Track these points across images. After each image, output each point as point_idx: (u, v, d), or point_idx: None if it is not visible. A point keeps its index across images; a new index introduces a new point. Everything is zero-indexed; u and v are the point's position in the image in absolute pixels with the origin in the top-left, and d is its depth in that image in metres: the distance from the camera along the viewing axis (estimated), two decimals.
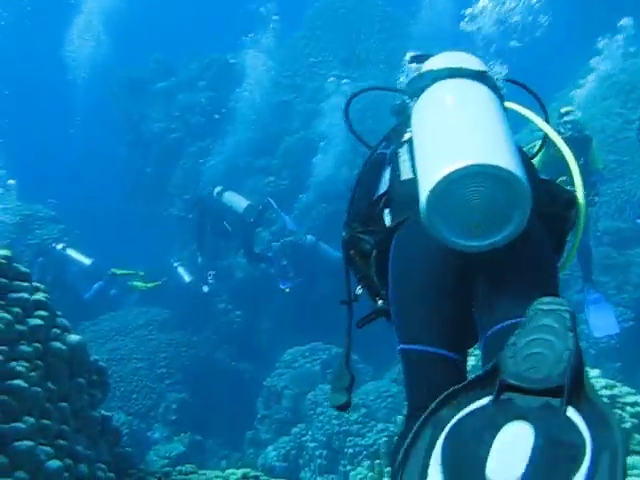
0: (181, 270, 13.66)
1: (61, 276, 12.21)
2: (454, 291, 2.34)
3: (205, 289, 13.21)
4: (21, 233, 13.03)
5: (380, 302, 2.69)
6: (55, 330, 3.87)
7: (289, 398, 10.48)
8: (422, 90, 2.54)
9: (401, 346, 2.38)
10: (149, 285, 12.58)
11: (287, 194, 13.27)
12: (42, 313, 3.82)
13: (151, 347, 11.99)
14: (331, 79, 13.84)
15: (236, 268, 13.40)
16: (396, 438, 2.11)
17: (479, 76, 2.52)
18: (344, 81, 13.74)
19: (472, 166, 2.12)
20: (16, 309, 3.71)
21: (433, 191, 2.15)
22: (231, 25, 15.14)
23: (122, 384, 11.43)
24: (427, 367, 2.30)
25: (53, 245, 12.55)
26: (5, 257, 3.96)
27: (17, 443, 3.15)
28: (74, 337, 3.92)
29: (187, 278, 13.54)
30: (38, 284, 4.20)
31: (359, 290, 2.79)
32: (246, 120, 14.25)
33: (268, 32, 14.88)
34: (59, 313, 4.10)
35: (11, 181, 13.33)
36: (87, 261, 12.38)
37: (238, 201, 11.94)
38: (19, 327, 3.62)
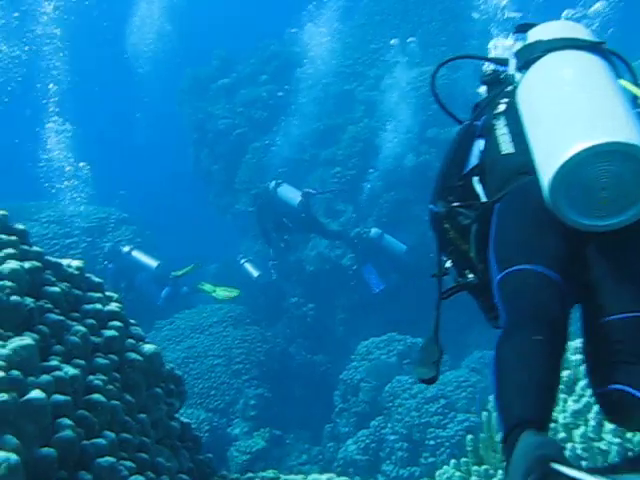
0: (248, 266, 13.64)
1: (131, 281, 12.31)
2: (565, 254, 2.20)
3: (274, 276, 13.21)
4: (96, 236, 13.23)
5: (471, 276, 2.70)
6: (130, 340, 3.81)
7: (366, 391, 10.35)
8: (533, 62, 2.44)
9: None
10: (219, 291, 12.57)
11: (354, 184, 13.08)
12: (116, 324, 3.76)
13: (226, 343, 12.02)
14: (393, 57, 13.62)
15: (306, 262, 13.30)
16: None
17: (595, 47, 2.38)
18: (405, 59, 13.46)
19: (603, 144, 2.04)
20: (90, 321, 3.66)
21: (560, 171, 2.09)
22: (288, 16, 14.96)
23: (200, 381, 11.51)
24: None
25: (120, 249, 12.63)
26: (78, 268, 3.92)
27: (99, 459, 3.08)
28: (149, 347, 3.85)
29: (255, 273, 13.51)
30: (111, 293, 4.15)
31: (448, 263, 2.83)
32: (309, 112, 14.13)
33: (325, 22, 14.71)
34: (133, 322, 4.04)
35: (82, 164, 13.41)
36: (154, 263, 12.39)
37: (292, 195, 11.86)
38: (94, 339, 3.57)
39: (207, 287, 12.42)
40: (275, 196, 11.93)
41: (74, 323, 3.54)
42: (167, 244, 15.06)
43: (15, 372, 2.83)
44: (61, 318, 3.42)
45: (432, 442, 9.17)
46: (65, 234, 12.99)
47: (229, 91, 14.95)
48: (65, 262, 3.91)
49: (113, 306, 3.86)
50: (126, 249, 12.50)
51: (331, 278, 13.08)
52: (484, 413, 5.32)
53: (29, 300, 3.33)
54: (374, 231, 12.37)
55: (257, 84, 14.76)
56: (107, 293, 4.14)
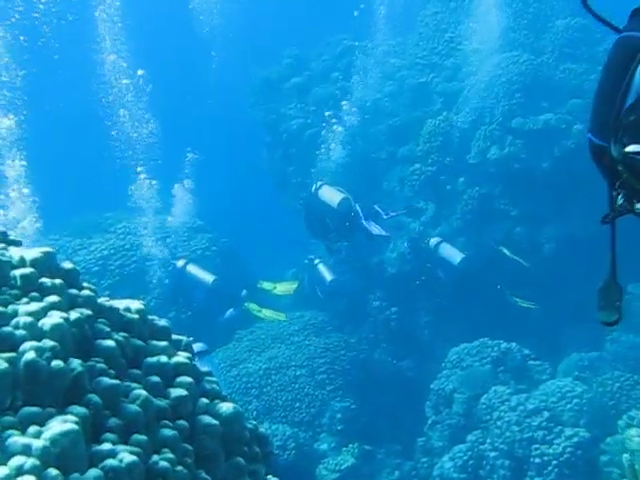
0: (322, 268, 12.84)
1: (189, 297, 11.53)
2: None
3: (329, 278, 12.44)
4: (172, 246, 12.70)
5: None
6: (203, 400, 3.06)
7: (460, 402, 9.44)
8: None
9: None
10: (266, 313, 11.76)
11: (435, 181, 12.14)
12: (185, 380, 3.01)
13: (309, 353, 11.31)
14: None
15: (388, 264, 12.46)
16: None
17: None
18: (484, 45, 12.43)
19: None
20: (154, 379, 2.92)
21: None
22: (359, 11, 14.09)
23: (283, 393, 10.83)
24: None
25: (174, 262, 11.90)
26: (139, 311, 3.20)
27: None
28: (227, 407, 3.09)
29: (328, 277, 12.70)
30: (180, 336, 3.42)
31: (620, 199, 2.48)
32: (383, 107, 13.25)
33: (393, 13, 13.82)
34: (206, 371, 3.30)
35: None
36: (209, 279, 11.48)
37: (332, 196, 11.06)
38: (159, 403, 2.83)
39: (253, 307, 11.56)
40: (318, 197, 11.23)
41: (133, 385, 2.81)
42: (243, 250, 14.42)
43: (52, 472, 2.10)
44: (116, 383, 2.69)
45: (538, 460, 8.20)
46: (141, 245, 12.54)
47: (301, 90, 14.19)
48: (123, 305, 3.19)
49: (181, 357, 3.12)
50: (180, 263, 11.72)
51: (413, 279, 12.18)
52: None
53: (76, 363, 2.61)
54: (433, 241, 11.54)
55: (330, 81, 13.95)
56: (175, 336, 3.41)
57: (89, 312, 2.87)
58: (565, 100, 11.52)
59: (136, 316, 3.14)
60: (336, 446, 9.99)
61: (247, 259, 14.25)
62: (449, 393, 9.71)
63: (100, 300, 3.13)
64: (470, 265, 11.39)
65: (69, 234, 13.32)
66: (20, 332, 2.54)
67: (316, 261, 12.94)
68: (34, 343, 2.49)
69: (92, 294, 3.00)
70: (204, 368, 7.52)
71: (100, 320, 2.94)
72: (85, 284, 3.19)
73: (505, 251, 11.46)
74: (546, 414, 8.41)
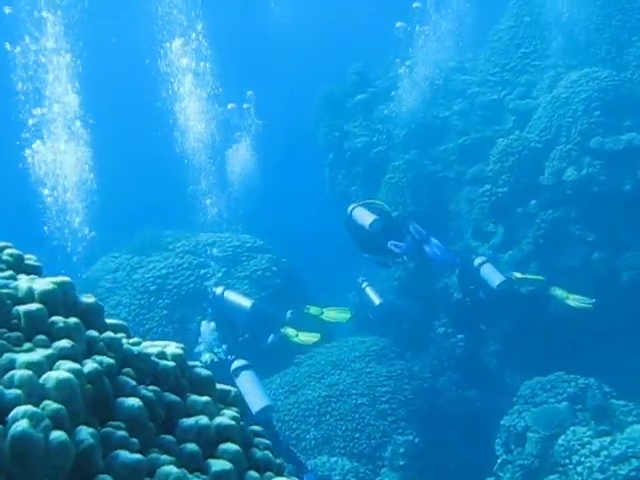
0: (370, 291, 12.06)
1: (232, 324, 10.72)
2: None
3: (377, 302, 11.65)
4: (231, 266, 12.13)
5: None
6: (252, 475, 2.35)
7: (534, 442, 8.49)
8: None
9: None
10: (302, 337, 10.89)
11: (505, 203, 11.27)
12: (231, 448, 2.30)
13: (370, 381, 10.53)
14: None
15: (453, 288, 11.62)
16: None
17: None
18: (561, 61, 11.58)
19: None
20: (191, 448, 2.23)
21: None
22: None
23: (343, 422, 10.08)
24: None
25: (213, 290, 11.11)
26: (176, 357, 2.51)
27: None
28: None
29: (377, 300, 11.90)
30: (226, 387, 2.73)
31: None
32: (452, 126, 12.45)
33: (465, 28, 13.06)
34: (262, 440, 2.59)
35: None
36: (248, 303, 10.62)
37: (364, 218, 10.52)
38: None
39: (289, 331, 10.70)
40: (352, 220, 10.73)
41: (163, 458, 2.12)
42: (304, 272, 13.74)
43: None
44: (138, 458, 1.99)
45: None
46: (199, 264, 11.99)
47: (367, 107, 13.49)
48: (156, 349, 2.51)
49: (226, 417, 2.41)
50: (219, 290, 10.92)
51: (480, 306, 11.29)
52: None
53: (85, 433, 1.93)
54: (477, 260, 10.67)
55: (394, 99, 13.23)
56: (220, 386, 2.71)
57: (111, 361, 2.20)
58: None
59: (172, 364, 2.45)
60: None
61: (307, 281, 13.57)
62: (521, 431, 8.79)
63: (128, 343, 2.46)
64: (511, 289, 10.51)
65: (129, 251, 12.91)
66: (13, 392, 1.88)
67: (364, 285, 12.20)
68: (29, 408, 1.82)
69: (116, 336, 2.33)
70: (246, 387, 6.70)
71: (125, 371, 2.27)
72: (110, 321, 2.53)
73: (517, 275, 10.57)
74: (635, 462, 7.41)
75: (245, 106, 14.88)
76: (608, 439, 7.85)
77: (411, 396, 10.50)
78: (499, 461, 8.96)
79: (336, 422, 10.07)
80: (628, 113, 10.69)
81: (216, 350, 9.24)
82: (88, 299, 2.41)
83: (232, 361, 8.44)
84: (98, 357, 2.19)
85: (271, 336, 10.25)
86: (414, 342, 11.90)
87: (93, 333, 2.26)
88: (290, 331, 10.44)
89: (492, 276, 10.54)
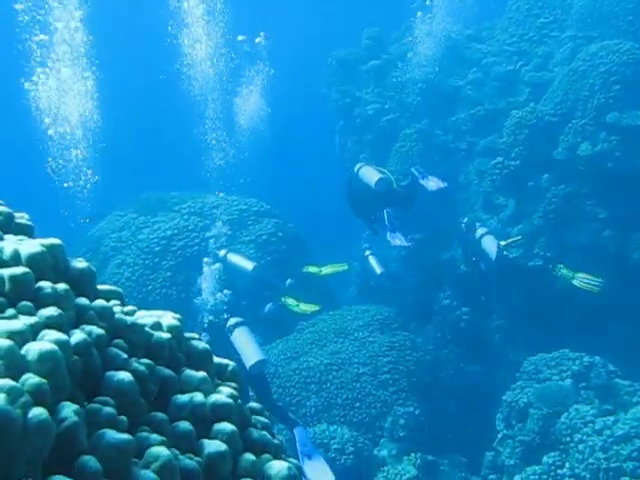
0: (372, 260, 11.88)
1: (233, 286, 10.48)
2: None
3: (378, 271, 11.44)
4: (236, 229, 11.93)
5: None
6: (248, 457, 2.18)
7: (536, 419, 8.37)
8: None
9: None
10: (303, 307, 10.67)
11: (517, 176, 11.02)
12: (226, 428, 2.13)
13: (373, 350, 10.39)
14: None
15: (460, 262, 11.44)
16: None
17: None
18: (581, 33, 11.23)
19: None
20: (184, 426, 2.07)
21: None
22: None
23: (344, 391, 9.97)
24: None
25: (217, 252, 10.81)
26: (172, 329, 2.33)
27: None
28: (279, 468, 2.20)
29: (378, 270, 11.71)
30: (224, 360, 2.56)
31: None
32: (466, 95, 12.14)
33: None
34: (261, 418, 2.42)
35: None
36: (250, 266, 10.46)
37: (371, 176, 10.14)
38: (187, 463, 1.97)
39: (289, 301, 10.49)
40: (358, 179, 10.40)
41: (153, 438, 1.96)
42: (311, 238, 13.52)
43: None
44: (125, 438, 1.83)
45: None
46: (205, 227, 11.79)
47: (379, 74, 13.15)
48: (151, 319, 2.33)
49: (224, 394, 2.25)
50: (222, 253, 10.64)
51: (486, 280, 11.12)
52: None
53: (68, 410, 1.77)
54: (479, 232, 10.47)
55: (410, 65, 12.87)
56: (218, 360, 2.55)
57: (100, 331, 2.02)
58: None
59: (167, 335, 2.28)
60: (397, 453, 9.07)
61: (313, 247, 13.38)
62: (523, 407, 8.66)
63: (121, 312, 2.28)
64: (509, 262, 10.33)
65: (134, 210, 12.72)
66: None
67: (367, 252, 12.01)
68: (7, 382, 1.65)
69: (108, 305, 2.15)
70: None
71: (116, 342, 2.09)
72: (104, 287, 2.36)
73: (502, 243, 10.39)
74: (638, 443, 7.28)
75: (257, 40, 14.06)
76: (612, 418, 7.71)
77: (413, 367, 10.37)
78: (499, 436, 8.86)
79: (337, 390, 9.97)
80: None
81: (218, 295, 9.06)
82: (80, 264, 2.23)
83: (227, 319, 8.32)
84: (87, 327, 2.02)
85: (269, 305, 10.04)
86: (418, 313, 11.77)
87: (83, 301, 2.09)
88: (290, 300, 10.28)
89: (492, 248, 10.38)
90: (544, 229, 10.73)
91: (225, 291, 9.19)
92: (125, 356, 2.06)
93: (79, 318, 2.06)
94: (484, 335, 11.30)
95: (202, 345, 2.42)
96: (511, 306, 11.01)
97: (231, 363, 2.55)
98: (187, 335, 2.45)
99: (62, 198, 11.37)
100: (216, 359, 2.54)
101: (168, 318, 2.36)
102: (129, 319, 2.19)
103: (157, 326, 2.31)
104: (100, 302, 2.13)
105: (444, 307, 11.61)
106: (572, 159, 10.53)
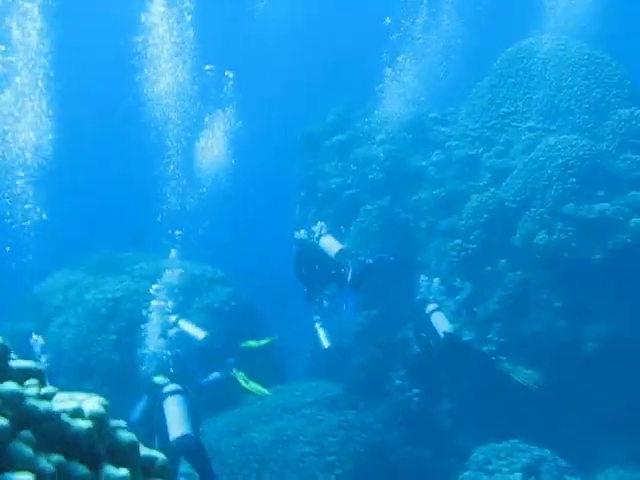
0: (321, 332, 11.51)
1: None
2: None
3: (325, 345, 11.12)
4: (189, 296, 11.52)
5: None
6: None
7: None
8: None
9: None
10: (261, 343, 10.31)
11: (475, 259, 10.94)
12: None
13: (320, 429, 9.95)
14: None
15: (413, 342, 11.20)
16: None
17: None
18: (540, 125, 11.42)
19: None
20: None
21: None
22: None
23: (288, 471, 9.46)
24: None
25: (168, 318, 10.39)
26: (95, 416, 2.00)
27: None
28: None
29: (326, 343, 11.35)
30: (152, 453, 2.22)
31: None
32: (428, 177, 12.15)
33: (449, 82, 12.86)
34: None
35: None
36: (200, 335, 9.86)
37: (333, 245, 10.14)
38: None
39: (240, 375, 10.02)
40: (317, 244, 10.31)
41: None
42: (266, 312, 13.15)
43: None
44: None
45: None
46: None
47: (344, 148, 13.13)
48: (72, 404, 2.00)
49: None
50: (173, 319, 10.24)
51: (440, 363, 10.87)
52: None
53: None
54: (430, 307, 10.39)
55: (374, 143, 12.89)
56: (146, 452, 2.21)
57: (3, 422, 1.69)
58: (624, 191, 10.36)
59: (87, 425, 1.95)
60: None
61: (266, 317, 13.01)
62: None
63: (37, 395, 1.95)
64: (456, 342, 10.15)
65: (84, 269, 12.24)
66: None
67: (317, 324, 11.68)
68: None
69: (16, 389, 1.82)
70: None
71: (23, 435, 1.76)
72: (19, 364, 2.03)
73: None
74: None
75: (227, 74, 13.49)
76: None
77: (362, 449, 9.94)
78: None
79: (281, 470, 9.47)
80: (602, 183, 10.50)
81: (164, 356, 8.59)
82: None
83: (166, 384, 7.86)
84: None
85: (215, 373, 9.50)
86: (369, 391, 11.41)
87: None
88: (241, 375, 9.82)
89: (441, 325, 10.20)
90: (499, 314, 10.62)
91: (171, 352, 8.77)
92: (30, 452, 1.72)
93: None
94: (434, 418, 10.97)
95: (128, 436, 2.08)
96: (462, 390, 10.75)
97: (160, 456, 2.22)
98: (112, 424, 2.12)
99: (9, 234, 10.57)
100: (144, 451, 2.21)
101: (92, 403, 2.03)
102: (43, 405, 1.86)
103: (78, 412, 1.98)
104: (8, 386, 1.80)
105: (395, 387, 11.30)
106: (529, 246, 10.52)
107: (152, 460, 2.20)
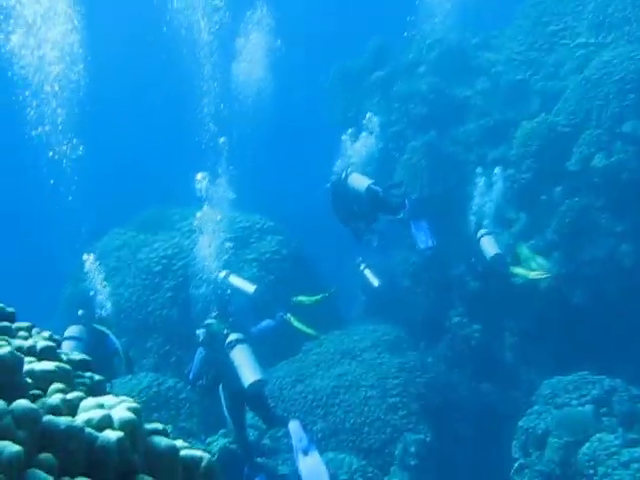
0: (368, 273, 11.25)
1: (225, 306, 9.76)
2: None
3: (375, 283, 10.80)
4: (239, 247, 11.33)
5: None
6: None
7: (556, 448, 7.74)
8: None
9: None
10: (315, 298, 10.07)
11: (529, 189, 10.43)
12: None
13: (381, 372, 9.77)
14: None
15: (470, 277, 10.85)
16: None
17: None
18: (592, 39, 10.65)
19: None
20: None
21: None
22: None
23: (351, 415, 9.36)
24: None
25: (216, 274, 10.23)
26: (126, 425, 1.76)
27: None
28: None
29: (375, 282, 11.06)
30: (196, 453, 1.98)
31: None
32: (474, 107, 11.56)
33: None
34: None
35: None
36: (250, 288, 9.76)
37: (360, 182, 9.65)
38: None
39: (294, 319, 9.81)
40: (346, 184, 9.86)
41: None
42: (316, 257, 12.88)
43: None
44: None
45: None
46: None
47: (385, 85, 12.55)
48: (100, 413, 1.76)
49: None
50: (222, 274, 9.86)
51: (498, 295, 10.54)
52: None
53: None
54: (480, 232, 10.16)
55: (416, 76, 12.26)
56: (189, 453, 1.96)
57: (14, 450, 1.44)
58: None
59: (118, 435, 1.70)
60: None
61: (316, 263, 12.76)
62: (541, 434, 8.04)
63: (61, 401, 1.71)
64: (502, 263, 9.89)
65: (134, 228, 12.16)
66: None
67: (362, 266, 11.40)
68: None
69: (31, 407, 1.57)
70: None
71: (42, 458, 1.52)
72: (43, 366, 1.78)
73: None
74: None
75: None
76: (639, 450, 7.09)
77: (424, 390, 9.76)
78: (516, 465, 8.23)
79: (344, 414, 9.37)
80: None
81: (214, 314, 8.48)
82: (0, 349, 1.65)
83: (227, 335, 7.75)
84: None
85: (268, 321, 9.33)
86: (428, 331, 11.16)
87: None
88: (294, 319, 9.68)
89: (489, 249, 9.87)
90: (558, 244, 10.14)
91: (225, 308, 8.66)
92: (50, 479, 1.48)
93: None
94: (497, 353, 10.69)
95: (165, 442, 1.84)
96: (524, 324, 10.42)
97: (205, 456, 1.97)
98: (147, 428, 1.87)
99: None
100: (186, 452, 1.96)
101: (121, 410, 1.79)
102: (63, 421, 1.61)
103: (106, 422, 1.74)
104: (21, 404, 1.55)
105: (455, 324, 11.01)
106: (586, 170, 9.94)
107: (196, 461, 1.96)
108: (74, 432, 1.61)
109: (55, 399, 1.76)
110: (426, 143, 11.28)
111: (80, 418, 1.70)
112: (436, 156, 11.33)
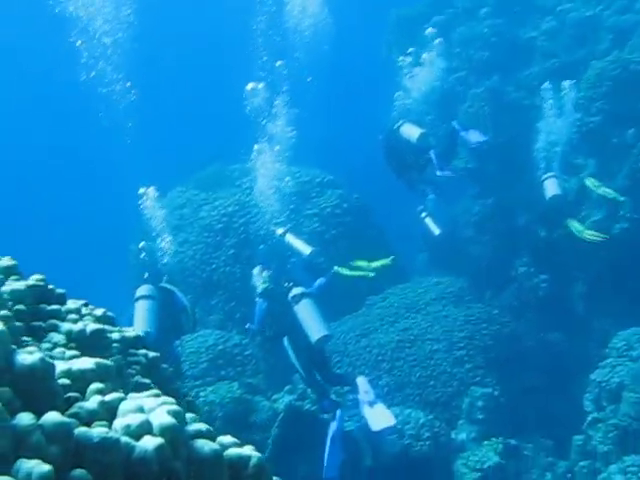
0: (429, 222, 10.85)
1: (281, 264, 9.55)
2: None
3: (436, 232, 10.46)
4: (300, 202, 11.18)
5: None
6: None
7: (632, 403, 7.43)
8: None
9: None
10: (373, 265, 9.75)
11: (599, 132, 9.86)
12: None
13: (447, 325, 9.61)
14: None
15: (536, 226, 10.43)
16: None
17: None
18: None
19: None
20: None
21: None
22: None
23: (418, 369, 9.28)
24: None
25: (273, 230, 9.84)
26: (165, 430, 1.62)
27: None
28: None
29: (436, 231, 10.69)
30: (244, 452, 1.84)
31: None
32: (540, 48, 10.93)
33: None
34: None
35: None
36: (307, 250, 9.40)
37: (412, 132, 9.42)
38: None
39: (343, 270, 9.53)
40: (398, 135, 9.60)
41: None
42: (376, 211, 12.57)
43: None
44: None
45: None
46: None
47: (444, 29, 11.97)
48: (137, 420, 1.63)
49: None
50: (280, 231, 9.65)
51: (566, 246, 10.09)
52: None
53: None
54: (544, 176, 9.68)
55: (477, 19, 11.65)
56: (237, 452, 1.83)
57: (44, 469, 1.32)
58: None
59: (157, 442, 1.56)
60: (476, 437, 8.32)
61: (379, 216, 12.49)
62: (615, 388, 7.74)
63: (99, 404, 1.58)
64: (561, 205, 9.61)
65: (195, 186, 12.14)
66: None
67: (423, 214, 11.04)
68: None
69: (63, 420, 1.44)
70: None
71: (75, 475, 1.40)
72: (79, 364, 1.66)
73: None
74: None
75: None
76: None
77: (490, 342, 9.55)
78: (589, 418, 7.96)
79: (410, 369, 9.28)
80: None
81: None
82: (28, 357, 1.53)
83: (290, 288, 7.68)
84: (25, 465, 1.32)
85: (319, 280, 9.15)
86: (493, 282, 10.85)
87: (24, 421, 1.39)
88: (344, 270, 9.51)
89: (549, 189, 9.55)
90: (630, 190, 9.59)
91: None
92: None
93: (18, 447, 1.37)
94: (566, 303, 10.30)
95: (209, 447, 1.70)
96: (596, 272, 9.97)
97: (254, 455, 1.84)
98: (190, 430, 1.74)
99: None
100: (234, 450, 1.83)
101: (161, 414, 1.65)
102: (97, 434, 1.48)
103: (144, 428, 1.61)
104: (51, 418, 1.43)
105: (521, 274, 10.65)
106: None
107: (245, 460, 1.82)
108: (109, 445, 1.49)
109: (93, 403, 1.64)
110: (488, 89, 10.77)
111: (118, 424, 1.58)
112: (499, 102, 10.81)
